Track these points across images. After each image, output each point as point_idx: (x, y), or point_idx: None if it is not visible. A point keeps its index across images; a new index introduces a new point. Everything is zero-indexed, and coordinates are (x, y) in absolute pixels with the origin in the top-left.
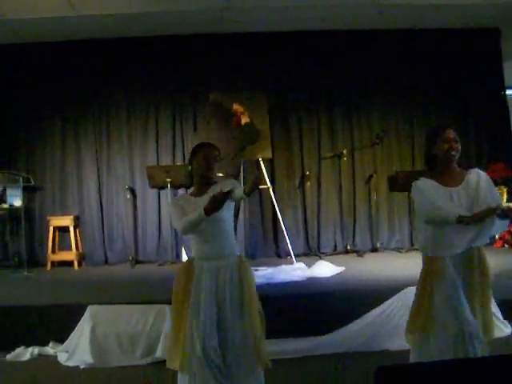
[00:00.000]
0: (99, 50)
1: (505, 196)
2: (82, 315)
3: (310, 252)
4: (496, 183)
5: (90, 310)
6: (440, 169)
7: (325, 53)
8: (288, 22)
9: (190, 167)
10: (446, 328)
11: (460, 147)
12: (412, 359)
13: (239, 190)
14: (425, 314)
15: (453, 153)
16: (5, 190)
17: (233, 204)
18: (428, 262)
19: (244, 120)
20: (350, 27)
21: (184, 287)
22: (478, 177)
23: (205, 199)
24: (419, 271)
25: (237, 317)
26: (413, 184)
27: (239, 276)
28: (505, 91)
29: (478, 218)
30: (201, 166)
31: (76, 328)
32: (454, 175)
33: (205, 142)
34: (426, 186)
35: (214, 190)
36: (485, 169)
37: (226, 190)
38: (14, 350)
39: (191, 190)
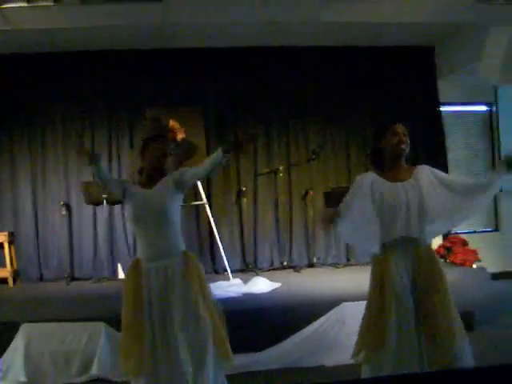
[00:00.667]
0: (34, 64)
1: None
2: (16, 333)
3: (247, 268)
4: None
5: (23, 328)
6: (388, 164)
7: (261, 69)
8: (224, 38)
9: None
10: (399, 346)
11: (409, 142)
12: (365, 374)
13: (209, 157)
14: (377, 331)
15: (402, 146)
16: None
17: (181, 196)
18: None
19: (180, 136)
20: (288, 43)
21: (134, 292)
22: (428, 173)
23: (156, 190)
24: (356, 286)
25: (190, 316)
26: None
27: (188, 274)
28: (440, 107)
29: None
30: (154, 157)
31: (10, 346)
32: (401, 171)
33: (156, 133)
34: (364, 181)
35: (165, 181)
36: None
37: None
38: None
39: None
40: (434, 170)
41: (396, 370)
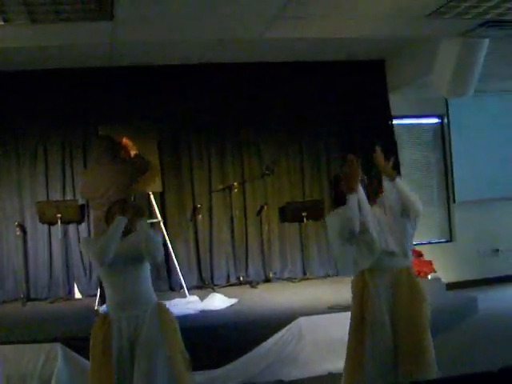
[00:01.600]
0: None
1: None
2: None
3: (204, 284)
4: None
5: None
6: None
7: (215, 85)
8: (176, 55)
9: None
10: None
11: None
12: None
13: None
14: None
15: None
16: None
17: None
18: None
19: (133, 152)
20: (239, 60)
21: (103, 346)
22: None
23: (131, 236)
24: (312, 300)
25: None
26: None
27: (160, 325)
28: (391, 120)
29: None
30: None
31: None
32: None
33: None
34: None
35: (137, 233)
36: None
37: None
38: None
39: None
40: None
41: None
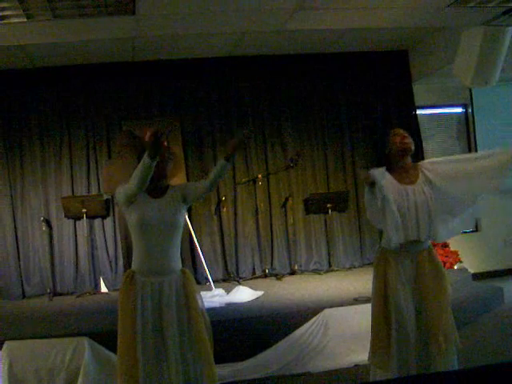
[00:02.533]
0: (7, 80)
1: None
2: None
3: (229, 277)
4: None
5: (6, 346)
6: (394, 166)
7: (236, 78)
8: (199, 48)
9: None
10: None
11: (412, 142)
12: (373, 376)
13: (212, 171)
14: (381, 337)
15: (406, 141)
16: None
17: (185, 211)
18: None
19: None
20: (261, 52)
21: (129, 306)
22: (429, 171)
23: (167, 200)
24: (338, 292)
25: (184, 335)
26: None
27: (184, 293)
28: (415, 110)
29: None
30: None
31: None
32: (409, 172)
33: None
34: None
35: (174, 193)
36: None
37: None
38: None
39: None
40: (435, 162)
41: (400, 372)
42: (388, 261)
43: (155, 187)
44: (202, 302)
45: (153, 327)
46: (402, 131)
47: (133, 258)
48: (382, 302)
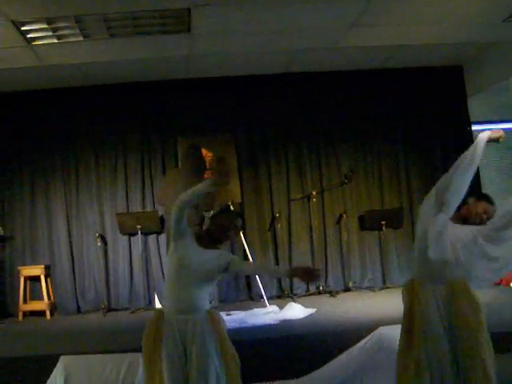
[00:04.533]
0: (64, 98)
1: None
2: (55, 366)
3: (283, 294)
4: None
5: (62, 361)
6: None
7: (291, 94)
8: (252, 66)
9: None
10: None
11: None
12: None
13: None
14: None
15: (484, 218)
16: None
17: (218, 277)
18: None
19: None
20: (316, 69)
21: (153, 343)
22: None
23: (211, 252)
24: (393, 309)
25: (211, 369)
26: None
27: (211, 328)
28: (471, 126)
29: None
30: (223, 235)
31: (49, 380)
32: None
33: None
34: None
35: (221, 252)
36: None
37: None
38: None
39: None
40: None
41: None
42: (415, 291)
43: (207, 238)
44: (228, 340)
45: (178, 363)
46: (487, 207)
47: (165, 296)
48: (409, 333)
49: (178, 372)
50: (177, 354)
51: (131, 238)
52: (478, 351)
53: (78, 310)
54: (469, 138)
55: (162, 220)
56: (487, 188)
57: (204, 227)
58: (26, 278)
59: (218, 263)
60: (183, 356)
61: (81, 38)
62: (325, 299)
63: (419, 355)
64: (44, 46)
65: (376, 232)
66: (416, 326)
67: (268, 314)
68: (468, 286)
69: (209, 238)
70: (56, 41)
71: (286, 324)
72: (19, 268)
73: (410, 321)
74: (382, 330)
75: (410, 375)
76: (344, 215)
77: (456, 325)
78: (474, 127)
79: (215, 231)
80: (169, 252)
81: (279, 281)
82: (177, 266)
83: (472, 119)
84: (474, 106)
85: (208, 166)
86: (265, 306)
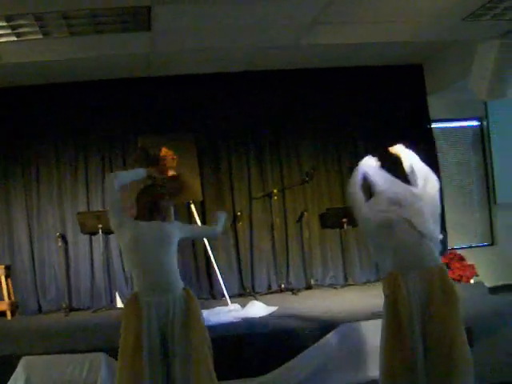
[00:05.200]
0: (24, 97)
1: None
2: (16, 367)
3: (245, 292)
4: None
5: (23, 362)
6: None
7: (252, 93)
8: (213, 63)
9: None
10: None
11: None
12: None
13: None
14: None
15: None
16: None
17: (176, 244)
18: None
19: (170, 173)
20: (275, 67)
21: (130, 327)
22: None
23: (160, 222)
24: (354, 306)
25: (185, 355)
26: None
27: (187, 311)
28: (430, 124)
29: None
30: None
31: (10, 381)
32: None
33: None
34: None
35: (169, 222)
36: None
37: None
38: None
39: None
40: None
41: None
42: (397, 283)
43: (148, 212)
44: (204, 320)
45: (159, 347)
46: None
47: (134, 281)
48: (396, 324)
49: (157, 356)
50: (157, 337)
51: (92, 237)
52: (451, 341)
53: (40, 310)
54: (428, 135)
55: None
56: (447, 184)
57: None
58: None
59: (166, 230)
60: (163, 339)
61: (40, 36)
62: (287, 297)
63: (408, 343)
64: (3, 43)
65: (337, 229)
66: (403, 315)
67: (230, 312)
68: (445, 273)
69: (148, 213)
70: (15, 38)
71: (248, 322)
72: None
73: (395, 311)
74: (344, 326)
75: (398, 364)
76: (305, 213)
77: (432, 313)
78: (434, 125)
79: (146, 207)
80: (119, 240)
81: (241, 279)
82: (134, 246)
83: (432, 117)
84: (434, 103)
85: (168, 165)
86: (227, 305)
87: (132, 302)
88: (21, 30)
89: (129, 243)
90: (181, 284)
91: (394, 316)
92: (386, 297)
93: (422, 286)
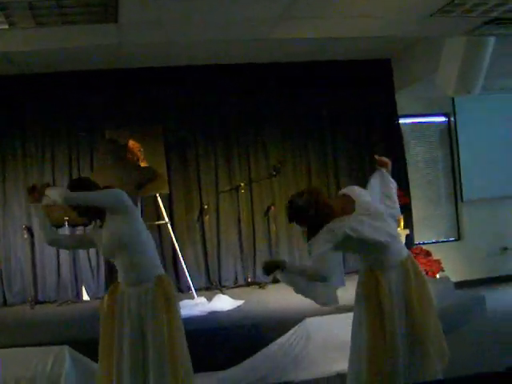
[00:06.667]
0: None
1: (402, 223)
2: None
3: (211, 286)
4: None
5: None
6: None
7: (220, 86)
8: (181, 56)
9: None
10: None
11: None
12: None
13: None
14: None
15: None
16: None
17: (130, 216)
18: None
19: (143, 164)
20: (244, 61)
21: (110, 316)
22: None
23: (107, 226)
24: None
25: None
26: None
27: (161, 292)
28: (398, 119)
29: None
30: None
31: None
32: None
33: None
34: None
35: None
36: None
37: None
38: None
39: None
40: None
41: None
42: (378, 279)
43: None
44: (176, 306)
45: (131, 336)
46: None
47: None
48: (379, 319)
49: (129, 344)
50: (131, 325)
51: (58, 230)
52: (428, 323)
53: (5, 303)
54: (396, 130)
55: None
56: (414, 179)
57: None
58: None
59: (113, 220)
60: (138, 328)
61: (6, 26)
62: (253, 291)
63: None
64: None
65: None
66: (386, 307)
67: (196, 305)
68: (415, 261)
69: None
70: None
71: (214, 315)
72: None
73: (377, 307)
74: (309, 320)
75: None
76: (272, 207)
77: (409, 299)
78: (402, 120)
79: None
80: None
81: (207, 272)
82: (103, 254)
83: (399, 112)
84: (402, 99)
85: (135, 158)
86: (193, 298)
87: (112, 289)
88: None
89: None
90: (155, 272)
91: (377, 317)
92: (367, 298)
93: (400, 278)
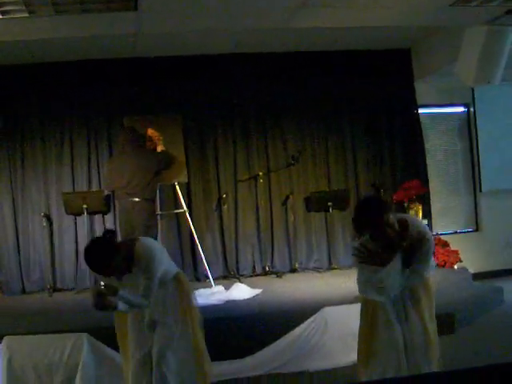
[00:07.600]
0: (10, 76)
1: (420, 213)
2: None
3: (229, 274)
4: (411, 200)
5: (5, 342)
6: None
7: (239, 76)
8: (201, 45)
9: None
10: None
11: None
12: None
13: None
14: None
15: None
16: None
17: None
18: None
19: (160, 148)
20: (263, 50)
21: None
22: None
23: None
24: (337, 290)
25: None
26: None
27: (177, 291)
28: (417, 109)
29: None
30: None
31: None
32: None
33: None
34: None
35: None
36: (400, 186)
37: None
38: None
39: None
40: None
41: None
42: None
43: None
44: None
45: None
46: None
47: None
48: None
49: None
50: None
51: (77, 217)
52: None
53: (23, 291)
54: (415, 121)
55: (107, 200)
56: (433, 169)
57: None
58: None
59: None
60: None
61: (26, 15)
62: (271, 280)
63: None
64: None
65: (322, 213)
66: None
67: (214, 294)
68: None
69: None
70: (0, 17)
71: (232, 304)
72: None
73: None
74: (327, 310)
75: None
76: (291, 196)
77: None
78: (421, 110)
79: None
80: None
81: (225, 261)
82: None
83: (419, 102)
84: (421, 89)
85: (153, 146)
86: (211, 287)
87: None
88: (6, 8)
89: None
90: (172, 272)
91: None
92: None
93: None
